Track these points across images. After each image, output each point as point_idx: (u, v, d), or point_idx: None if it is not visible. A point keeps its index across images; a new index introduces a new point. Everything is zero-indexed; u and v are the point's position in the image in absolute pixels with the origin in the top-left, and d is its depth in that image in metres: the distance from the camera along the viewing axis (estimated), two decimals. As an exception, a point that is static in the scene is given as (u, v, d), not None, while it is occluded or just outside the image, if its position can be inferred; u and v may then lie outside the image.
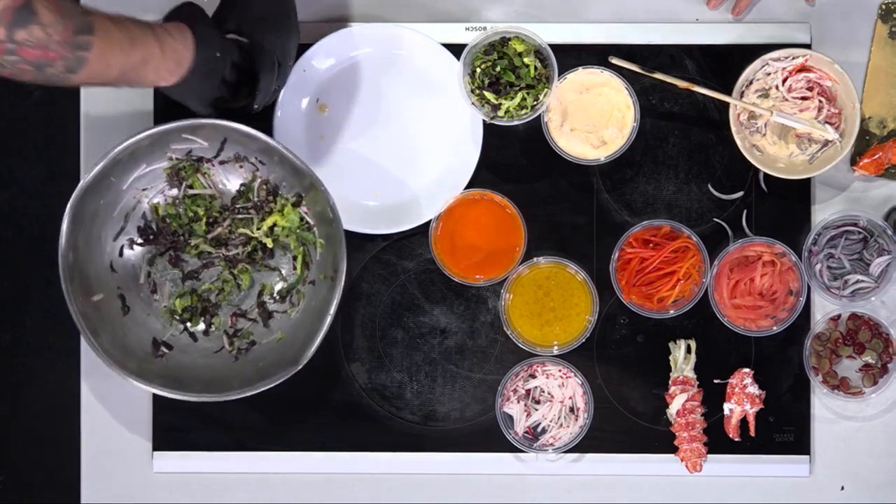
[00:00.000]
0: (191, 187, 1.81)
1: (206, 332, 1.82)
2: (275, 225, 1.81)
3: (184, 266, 1.83)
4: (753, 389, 1.82)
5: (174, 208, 1.81)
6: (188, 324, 1.82)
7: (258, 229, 1.81)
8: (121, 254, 1.80)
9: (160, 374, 1.75)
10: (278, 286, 1.84)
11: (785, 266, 1.82)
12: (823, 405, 1.85)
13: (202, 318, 1.83)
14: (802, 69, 1.80)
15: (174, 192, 1.81)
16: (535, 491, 1.85)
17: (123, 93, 1.83)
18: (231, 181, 1.83)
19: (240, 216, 1.81)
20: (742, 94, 1.80)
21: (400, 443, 1.86)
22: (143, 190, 1.80)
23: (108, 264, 1.79)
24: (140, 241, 1.81)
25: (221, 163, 1.81)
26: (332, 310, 1.73)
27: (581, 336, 1.82)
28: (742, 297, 1.82)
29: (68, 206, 1.70)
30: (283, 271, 1.84)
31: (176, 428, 1.86)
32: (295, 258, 1.83)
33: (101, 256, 1.78)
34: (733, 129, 1.78)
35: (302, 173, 1.74)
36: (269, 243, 1.82)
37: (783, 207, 1.85)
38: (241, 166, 1.81)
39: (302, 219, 1.81)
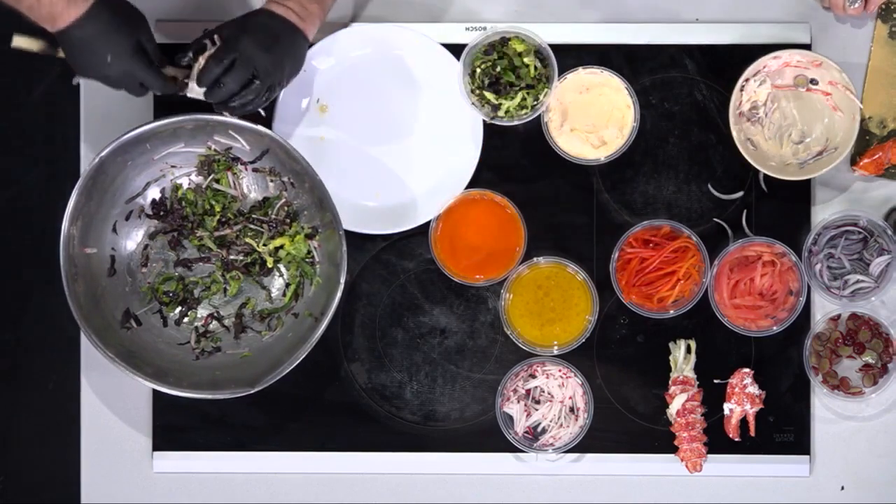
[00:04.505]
0: (217, 182, 1.81)
1: (177, 322, 1.83)
2: (281, 247, 1.81)
3: (181, 252, 1.83)
4: (753, 389, 1.82)
5: (193, 195, 1.82)
6: (164, 308, 1.82)
7: (264, 245, 1.81)
8: (127, 217, 1.81)
9: (118, 344, 1.75)
10: (262, 305, 1.84)
11: (785, 266, 1.82)
12: (823, 405, 1.85)
13: (179, 307, 1.83)
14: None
15: (200, 179, 1.82)
16: (535, 491, 1.85)
17: (123, 94, 1.83)
18: (256, 190, 1.83)
19: (252, 226, 1.81)
20: (742, 89, 1.80)
21: (400, 443, 1.86)
22: (173, 167, 1.81)
23: (112, 222, 1.80)
24: (150, 212, 1.82)
25: (255, 170, 1.82)
26: (305, 349, 1.73)
27: (581, 336, 1.82)
28: (742, 297, 1.82)
29: (106, 149, 1.70)
30: (272, 293, 1.84)
31: (176, 428, 1.86)
32: (288, 286, 1.83)
33: (110, 212, 1.79)
34: (731, 120, 1.78)
35: (326, 209, 1.75)
36: (270, 262, 1.82)
37: (783, 207, 1.85)
38: (271, 180, 1.82)
39: (309, 252, 1.81)
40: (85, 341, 1.85)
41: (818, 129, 1.83)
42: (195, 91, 1.70)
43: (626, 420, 1.85)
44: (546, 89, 1.80)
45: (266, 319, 1.83)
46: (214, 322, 1.83)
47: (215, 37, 1.69)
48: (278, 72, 1.70)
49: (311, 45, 1.80)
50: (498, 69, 1.80)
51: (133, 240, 1.82)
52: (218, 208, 1.82)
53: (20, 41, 1.67)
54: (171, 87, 1.68)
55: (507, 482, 1.86)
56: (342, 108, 1.86)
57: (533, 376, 1.84)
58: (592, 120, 1.82)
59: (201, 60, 1.69)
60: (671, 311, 1.81)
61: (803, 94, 1.82)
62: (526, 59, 1.80)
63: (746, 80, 1.80)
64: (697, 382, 1.83)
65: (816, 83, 1.81)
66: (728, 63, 1.84)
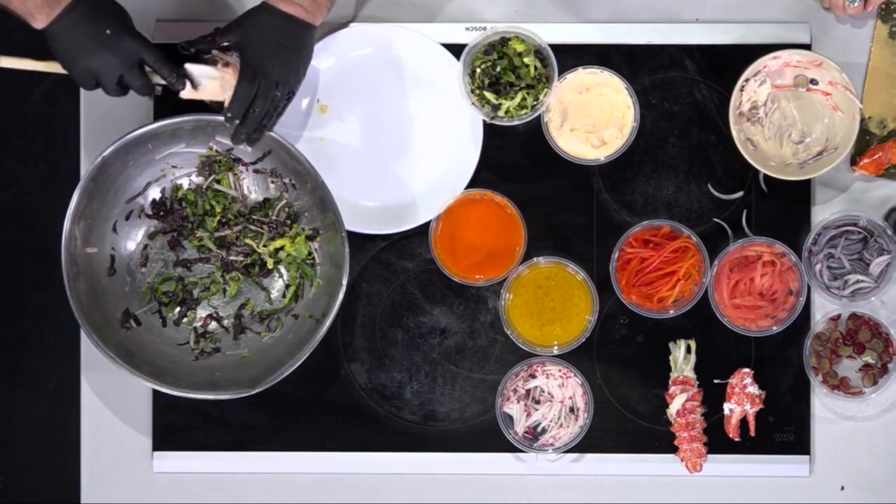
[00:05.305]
0: (218, 182, 1.81)
1: (176, 322, 1.83)
2: (282, 248, 1.81)
3: (180, 252, 1.83)
4: (753, 389, 1.82)
5: (194, 195, 1.82)
6: (163, 308, 1.82)
7: (264, 246, 1.81)
8: (128, 217, 1.81)
9: (117, 343, 1.75)
10: (261, 307, 1.84)
11: (785, 266, 1.82)
12: (823, 405, 1.85)
13: (178, 308, 1.83)
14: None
15: (200, 180, 1.82)
16: (535, 491, 1.85)
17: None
18: (257, 191, 1.83)
19: (252, 227, 1.81)
20: (742, 89, 1.80)
21: (400, 443, 1.86)
22: (174, 167, 1.81)
23: (113, 222, 1.80)
24: (150, 212, 1.82)
25: (256, 171, 1.82)
26: (306, 350, 1.73)
27: (581, 336, 1.82)
28: (742, 297, 1.82)
29: (108, 149, 1.70)
30: (272, 295, 1.84)
31: (176, 428, 1.86)
32: (288, 287, 1.83)
33: (111, 211, 1.79)
34: (731, 120, 1.78)
35: (328, 210, 1.75)
36: (270, 264, 1.82)
37: (783, 207, 1.85)
38: (272, 182, 1.82)
39: (310, 253, 1.81)
40: (85, 341, 1.85)
41: (818, 129, 1.83)
42: (190, 91, 1.70)
43: (626, 420, 1.85)
44: (546, 89, 1.80)
45: (265, 321, 1.83)
46: (213, 323, 1.83)
47: (223, 43, 1.70)
48: (296, 76, 1.70)
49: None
50: (498, 69, 1.80)
51: (133, 240, 1.82)
52: (218, 209, 1.82)
53: (6, 61, 1.67)
54: (172, 68, 1.67)
55: (507, 482, 1.86)
56: (342, 108, 1.86)
57: (533, 376, 1.84)
58: (592, 120, 1.82)
59: (210, 70, 1.70)
60: (671, 311, 1.81)
61: (803, 94, 1.83)
62: (526, 59, 1.80)
63: (746, 80, 1.80)
64: (697, 382, 1.83)
65: (816, 83, 1.81)
66: (728, 63, 1.84)
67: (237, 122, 1.69)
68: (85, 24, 1.61)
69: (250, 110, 1.68)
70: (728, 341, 1.84)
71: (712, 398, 1.84)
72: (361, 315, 1.87)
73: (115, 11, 1.65)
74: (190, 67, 1.69)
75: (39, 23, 1.60)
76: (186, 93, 1.69)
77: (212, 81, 1.70)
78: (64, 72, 1.66)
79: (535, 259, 1.83)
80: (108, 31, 1.62)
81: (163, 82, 1.69)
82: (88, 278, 1.76)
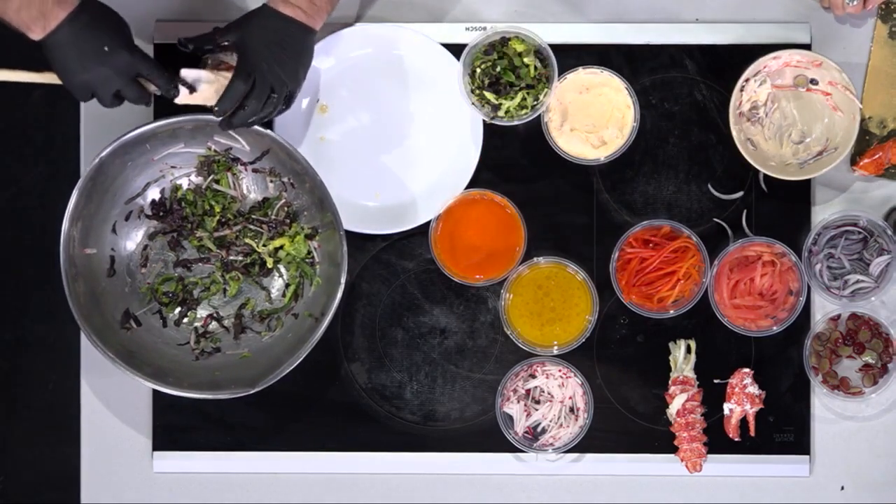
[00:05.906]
0: (217, 182, 1.81)
1: (177, 323, 1.83)
2: (281, 247, 1.81)
3: (180, 252, 1.83)
4: (753, 389, 1.82)
5: (193, 195, 1.82)
6: (164, 308, 1.82)
7: (264, 246, 1.81)
8: (127, 218, 1.81)
9: (118, 344, 1.75)
10: (262, 306, 1.84)
11: (785, 266, 1.82)
12: (823, 405, 1.85)
13: (178, 308, 1.83)
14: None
15: (199, 180, 1.82)
16: (535, 491, 1.85)
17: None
18: (256, 191, 1.83)
19: (251, 227, 1.81)
20: (742, 89, 1.80)
21: (400, 443, 1.86)
22: (172, 167, 1.81)
23: (112, 223, 1.80)
24: (150, 213, 1.82)
25: (255, 170, 1.82)
26: (305, 349, 1.73)
27: (581, 336, 1.82)
28: (742, 297, 1.82)
29: (106, 150, 1.70)
30: (272, 294, 1.84)
31: (176, 428, 1.86)
32: (287, 286, 1.83)
33: (109, 212, 1.79)
34: (731, 119, 1.78)
35: (326, 209, 1.75)
36: (270, 263, 1.82)
37: (783, 207, 1.85)
38: (271, 181, 1.82)
39: (309, 252, 1.81)
40: (85, 341, 1.85)
41: (818, 129, 1.83)
42: (185, 96, 1.70)
43: (626, 420, 1.85)
44: (546, 89, 1.80)
45: (266, 320, 1.83)
46: (214, 322, 1.83)
47: (223, 42, 1.69)
48: (294, 80, 1.70)
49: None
50: (498, 69, 1.80)
51: (133, 240, 1.82)
52: (217, 209, 1.82)
53: (2, 74, 1.67)
54: (168, 79, 1.67)
55: (507, 482, 1.86)
56: (342, 108, 1.86)
57: (533, 376, 1.84)
58: (592, 120, 1.82)
59: (206, 74, 1.70)
60: (671, 311, 1.81)
61: (803, 94, 1.83)
62: (526, 59, 1.80)
63: (746, 80, 1.80)
64: (697, 382, 1.83)
65: (816, 83, 1.81)
66: (728, 63, 1.84)
67: (225, 116, 1.69)
68: (82, 37, 1.60)
69: (241, 108, 1.68)
70: (728, 341, 1.84)
71: (712, 398, 1.84)
72: (361, 315, 1.87)
73: (113, 23, 1.64)
74: (185, 73, 1.69)
75: (35, 34, 1.59)
76: (182, 97, 1.70)
77: (208, 86, 1.70)
78: (60, 82, 1.66)
79: (535, 259, 1.83)
80: (105, 48, 1.61)
81: (158, 92, 1.69)
82: (87, 279, 1.76)
